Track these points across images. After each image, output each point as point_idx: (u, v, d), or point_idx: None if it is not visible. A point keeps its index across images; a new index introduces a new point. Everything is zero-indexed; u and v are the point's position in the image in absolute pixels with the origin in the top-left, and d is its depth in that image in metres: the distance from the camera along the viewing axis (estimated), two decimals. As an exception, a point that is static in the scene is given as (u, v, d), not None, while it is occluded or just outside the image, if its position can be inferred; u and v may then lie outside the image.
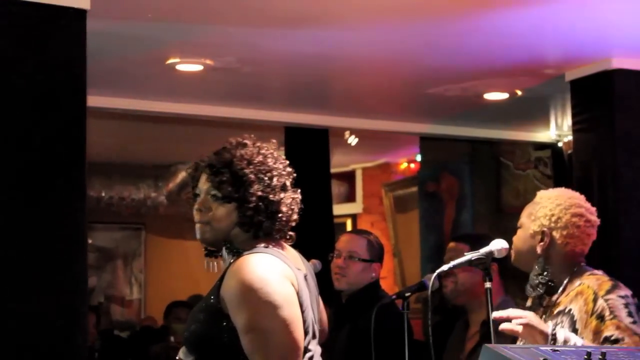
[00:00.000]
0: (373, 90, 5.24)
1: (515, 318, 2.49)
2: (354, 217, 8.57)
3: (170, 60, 4.46)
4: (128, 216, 8.34)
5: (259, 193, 2.34)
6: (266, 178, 2.36)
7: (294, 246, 2.49)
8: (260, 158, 2.39)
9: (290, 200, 2.40)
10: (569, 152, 5.90)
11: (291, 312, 2.25)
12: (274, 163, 2.40)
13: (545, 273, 2.72)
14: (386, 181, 8.29)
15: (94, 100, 4.05)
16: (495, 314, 2.55)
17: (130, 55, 4.41)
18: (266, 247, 2.35)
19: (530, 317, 2.50)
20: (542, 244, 2.71)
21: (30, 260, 3.21)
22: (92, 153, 3.43)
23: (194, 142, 6.11)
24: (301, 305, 2.31)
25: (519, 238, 2.77)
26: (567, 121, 5.81)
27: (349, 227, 8.37)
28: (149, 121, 6.02)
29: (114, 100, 5.08)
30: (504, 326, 2.51)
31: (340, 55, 4.48)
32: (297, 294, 2.31)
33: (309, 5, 3.78)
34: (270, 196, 2.35)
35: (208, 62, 4.49)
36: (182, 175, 8.00)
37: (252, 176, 2.35)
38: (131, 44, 4.22)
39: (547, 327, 2.50)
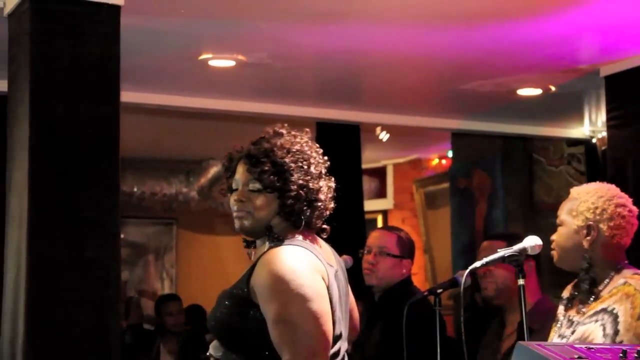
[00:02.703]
0: (405, 86, 5.22)
1: None
2: (384, 213, 8.55)
3: (203, 56, 4.48)
4: (160, 211, 8.39)
5: (300, 181, 2.34)
6: (305, 166, 2.36)
7: (326, 241, 2.48)
8: (297, 147, 2.39)
9: (327, 188, 2.40)
10: (603, 148, 5.85)
11: (321, 305, 2.24)
12: (311, 151, 2.40)
13: (592, 269, 2.68)
14: (417, 177, 8.27)
15: (127, 96, 4.08)
16: None
17: (163, 51, 4.43)
18: (301, 240, 2.34)
19: None
20: (589, 237, 2.67)
21: (64, 255, 3.24)
22: (124, 148, 3.45)
23: (226, 138, 6.09)
24: (330, 299, 2.31)
25: (562, 236, 2.73)
26: (602, 117, 5.75)
27: (379, 223, 8.36)
28: (181, 117, 6.05)
29: (147, 96, 5.11)
30: None
31: (372, 51, 4.47)
32: (328, 289, 2.31)
33: (342, 1, 3.77)
34: (310, 184, 2.35)
35: (240, 57, 4.50)
36: (213, 170, 8.03)
37: (292, 165, 2.35)
38: (164, 39, 4.24)
39: None
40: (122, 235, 3.61)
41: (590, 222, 2.67)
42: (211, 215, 8.32)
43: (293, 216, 2.36)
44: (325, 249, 2.44)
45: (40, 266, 3.20)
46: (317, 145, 2.45)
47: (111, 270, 3.30)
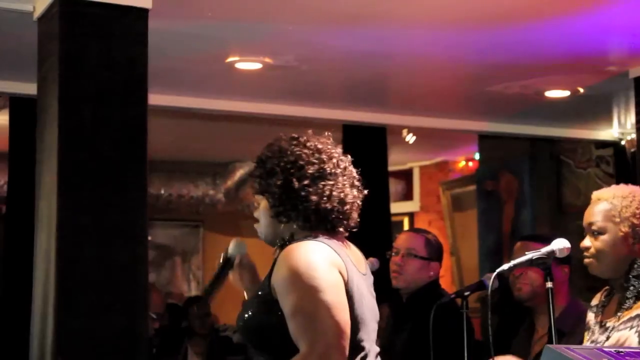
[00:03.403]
0: (432, 88, 5.21)
1: None
2: (411, 215, 8.53)
3: (230, 59, 4.49)
4: (186, 213, 8.43)
5: (279, 182, 2.35)
6: (290, 167, 2.35)
7: (351, 242, 2.48)
8: (294, 149, 2.37)
9: (325, 188, 2.34)
10: (632, 150, 5.80)
11: (335, 296, 2.24)
12: (312, 152, 2.37)
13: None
14: (444, 179, 8.24)
15: (154, 99, 4.10)
16: None
17: (190, 54, 4.45)
18: (320, 237, 2.35)
19: None
20: (639, 244, 2.61)
21: (92, 257, 3.26)
22: (151, 150, 3.47)
23: (253, 140, 6.11)
24: (351, 297, 2.31)
25: (606, 244, 2.63)
26: (631, 119, 5.70)
27: (406, 226, 8.34)
28: (208, 119, 6.08)
29: (174, 99, 5.14)
30: None
31: (399, 53, 4.46)
32: (347, 283, 2.31)
33: (368, 3, 3.76)
34: (295, 184, 2.34)
35: (267, 60, 4.51)
36: (240, 173, 8.06)
37: (276, 167, 2.36)
38: (191, 42, 4.26)
39: None
40: (149, 238, 3.63)
41: (638, 228, 2.61)
42: (237, 217, 8.34)
43: (283, 217, 2.36)
44: (354, 253, 2.44)
45: (69, 268, 3.22)
46: (332, 147, 2.42)
47: (139, 272, 3.32)
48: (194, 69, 4.70)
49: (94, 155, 3.32)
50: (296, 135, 2.43)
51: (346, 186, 2.39)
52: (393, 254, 3.81)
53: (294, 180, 2.34)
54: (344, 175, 2.39)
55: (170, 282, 8.80)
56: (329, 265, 2.27)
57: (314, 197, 2.33)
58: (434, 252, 3.80)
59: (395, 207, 7.61)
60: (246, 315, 2.35)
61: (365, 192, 2.43)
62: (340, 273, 2.29)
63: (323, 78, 4.94)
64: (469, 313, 3.31)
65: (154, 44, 3.50)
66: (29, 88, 4.09)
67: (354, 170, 2.43)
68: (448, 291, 3.90)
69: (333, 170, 2.37)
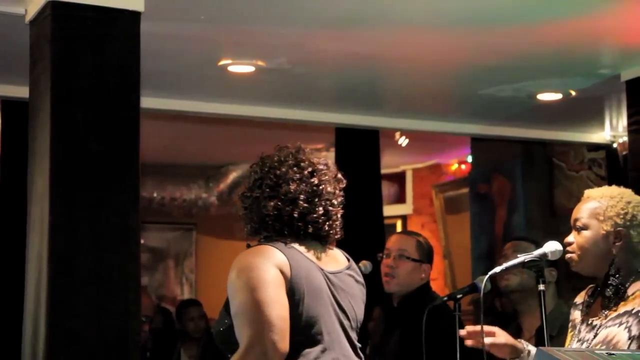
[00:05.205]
0: (424, 91, 5.21)
1: (485, 334, 2.59)
2: (404, 218, 8.54)
3: (222, 62, 4.49)
4: (179, 216, 8.42)
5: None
6: (246, 182, 2.53)
7: (346, 244, 2.50)
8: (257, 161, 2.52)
9: (245, 200, 2.49)
10: (624, 153, 5.82)
11: (267, 293, 2.31)
12: (261, 166, 2.49)
13: (618, 275, 2.65)
14: (436, 182, 8.25)
15: (146, 102, 4.10)
16: (462, 332, 2.67)
17: (183, 57, 4.45)
18: (272, 241, 2.43)
19: (498, 335, 2.64)
20: (619, 244, 2.63)
21: (84, 260, 3.26)
22: (144, 154, 3.47)
23: (246, 143, 6.15)
24: (297, 293, 2.35)
25: (588, 240, 2.67)
26: (623, 122, 5.72)
27: (399, 228, 8.34)
28: (201, 122, 6.08)
29: (167, 102, 5.14)
30: (468, 342, 2.66)
31: (392, 56, 4.47)
32: (290, 280, 2.35)
33: (361, 7, 3.77)
34: (246, 193, 2.51)
35: (260, 63, 4.51)
36: (233, 175, 8.06)
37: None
38: (184, 45, 4.26)
39: (519, 342, 2.65)
40: (142, 241, 3.62)
41: (620, 228, 2.63)
42: (231, 220, 8.32)
43: (245, 228, 2.52)
44: (331, 256, 2.47)
45: (61, 271, 3.22)
46: (282, 156, 2.48)
47: (131, 275, 3.32)
48: (186, 71, 4.71)
49: (87, 158, 3.31)
50: (279, 149, 2.54)
51: (278, 199, 2.43)
52: (384, 256, 3.80)
53: (245, 188, 2.52)
54: (288, 186, 2.44)
55: (163, 285, 8.79)
56: (267, 264, 2.35)
57: (248, 204, 2.49)
58: (425, 254, 3.81)
59: (388, 210, 7.62)
60: (219, 327, 2.44)
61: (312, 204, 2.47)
62: (282, 271, 2.34)
63: (316, 81, 4.94)
64: (461, 316, 3.32)
65: (147, 47, 3.50)
66: (21, 91, 4.08)
67: (313, 182, 2.46)
68: (440, 294, 3.90)
69: (266, 182, 2.47)
